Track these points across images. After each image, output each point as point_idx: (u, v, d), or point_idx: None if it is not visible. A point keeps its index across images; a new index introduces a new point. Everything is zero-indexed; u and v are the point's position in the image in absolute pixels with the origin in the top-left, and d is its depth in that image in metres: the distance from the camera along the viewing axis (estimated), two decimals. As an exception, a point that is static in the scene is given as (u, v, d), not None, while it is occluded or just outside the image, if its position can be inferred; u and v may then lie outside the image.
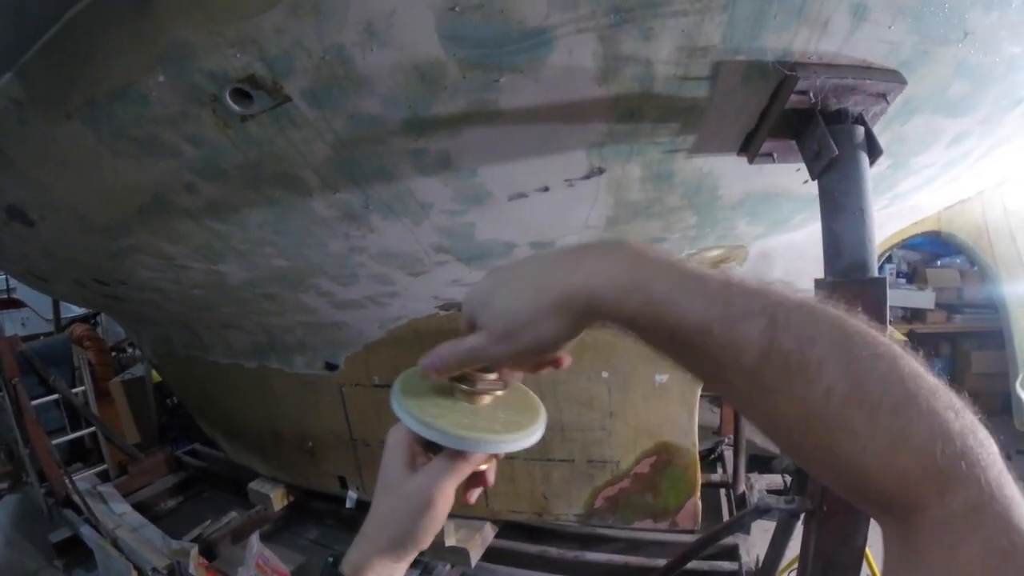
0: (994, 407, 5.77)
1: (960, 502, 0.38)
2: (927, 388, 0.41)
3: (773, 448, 5.21)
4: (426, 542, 0.68)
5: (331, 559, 0.69)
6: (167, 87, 1.37)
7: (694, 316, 0.47)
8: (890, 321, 5.76)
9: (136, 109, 1.46)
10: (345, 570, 0.67)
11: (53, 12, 1.30)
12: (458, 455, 0.64)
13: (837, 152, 1.24)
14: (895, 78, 1.30)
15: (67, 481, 4.37)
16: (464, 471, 0.66)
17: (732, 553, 3.22)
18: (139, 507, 4.41)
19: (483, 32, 1.14)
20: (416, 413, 0.64)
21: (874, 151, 1.31)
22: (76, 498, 4.22)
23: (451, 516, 3.39)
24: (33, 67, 1.47)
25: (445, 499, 0.65)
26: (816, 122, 1.28)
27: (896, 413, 0.40)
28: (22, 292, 7.58)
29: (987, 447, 0.40)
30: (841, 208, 1.32)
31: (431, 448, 0.67)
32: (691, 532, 3.01)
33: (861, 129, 1.31)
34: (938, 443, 0.39)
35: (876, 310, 1.31)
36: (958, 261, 6.01)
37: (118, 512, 4.16)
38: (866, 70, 1.28)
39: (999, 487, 0.38)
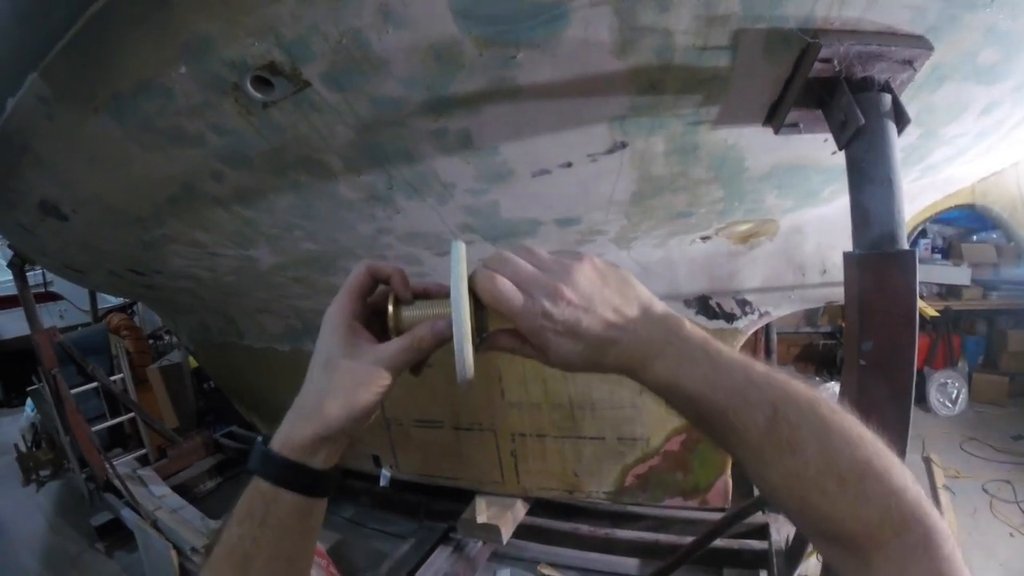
0: (1032, 385, 5.65)
1: (913, 539, 0.52)
2: (879, 455, 0.56)
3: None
4: (364, 422, 0.68)
5: (261, 439, 0.67)
6: (189, 78, 1.39)
7: (717, 404, 0.60)
8: (923, 297, 5.65)
9: (160, 101, 1.48)
10: (274, 445, 0.65)
11: (73, 11, 1.32)
12: (416, 342, 0.68)
13: (864, 121, 1.20)
14: (922, 44, 1.25)
15: (107, 466, 4.53)
16: (413, 359, 0.68)
17: (762, 532, 3.22)
18: (178, 489, 4.57)
19: (497, 8, 1.13)
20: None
21: (902, 120, 1.26)
22: (116, 482, 4.37)
23: (482, 493, 3.49)
24: (57, 65, 1.50)
25: (397, 376, 0.68)
26: (841, 90, 1.25)
27: (860, 480, 0.55)
28: (59, 285, 7.77)
29: (921, 492, 0.55)
30: (869, 179, 1.28)
31: (372, 330, 0.70)
32: (722, 510, 3.01)
33: (888, 97, 1.27)
34: (892, 498, 0.54)
35: (905, 283, 1.28)
36: (994, 236, 5.84)
37: (158, 495, 4.31)
38: (891, 36, 1.24)
39: (935, 525, 0.52)
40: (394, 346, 0.68)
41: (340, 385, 0.66)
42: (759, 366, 0.62)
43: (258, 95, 1.40)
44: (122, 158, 1.78)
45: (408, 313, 0.71)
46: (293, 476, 0.64)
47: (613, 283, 0.67)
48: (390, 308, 0.71)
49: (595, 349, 0.65)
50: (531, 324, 0.65)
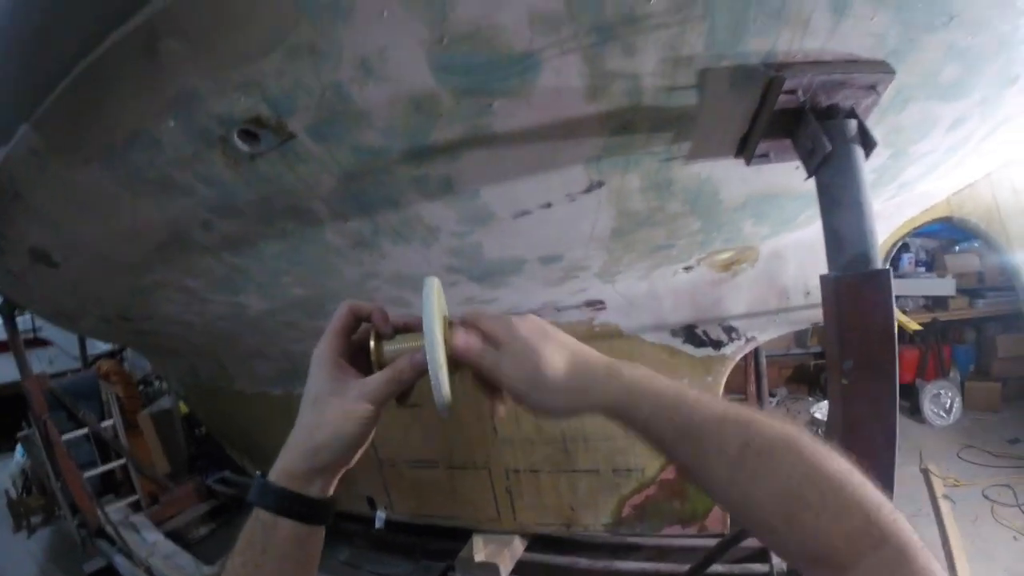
0: (1022, 390, 5.69)
1: (891, 553, 0.53)
2: (853, 472, 0.58)
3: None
4: (354, 453, 0.72)
5: (259, 473, 0.70)
6: (178, 131, 1.42)
7: (692, 430, 0.64)
8: (907, 311, 5.65)
9: (150, 153, 1.51)
10: (272, 476, 0.68)
11: (64, 65, 1.36)
12: (397, 374, 0.72)
13: (830, 148, 1.24)
14: (883, 68, 1.29)
15: (99, 512, 4.46)
16: (395, 391, 0.72)
17: (764, 555, 3.19)
18: (171, 535, 4.49)
19: (472, 61, 1.17)
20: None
21: (868, 143, 1.30)
22: (109, 529, 4.31)
23: (479, 531, 3.44)
24: (49, 117, 1.52)
25: (382, 408, 0.72)
26: (808, 120, 1.28)
27: (839, 490, 0.57)
28: (48, 331, 7.73)
29: (893, 507, 0.56)
30: (839, 203, 1.31)
31: (358, 365, 0.74)
32: (721, 535, 2.99)
33: (854, 123, 1.30)
34: (871, 509, 0.55)
35: (881, 301, 1.31)
36: (976, 245, 5.91)
37: (150, 541, 4.25)
38: (853, 63, 1.28)
39: (910, 538, 0.54)
40: (377, 379, 0.72)
41: (328, 419, 0.70)
42: (721, 400, 0.67)
43: (245, 147, 1.43)
44: (112, 207, 1.80)
45: (389, 347, 0.75)
46: (290, 505, 0.68)
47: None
48: (372, 343, 0.75)
49: (576, 364, 0.71)
50: (493, 361, 0.72)
